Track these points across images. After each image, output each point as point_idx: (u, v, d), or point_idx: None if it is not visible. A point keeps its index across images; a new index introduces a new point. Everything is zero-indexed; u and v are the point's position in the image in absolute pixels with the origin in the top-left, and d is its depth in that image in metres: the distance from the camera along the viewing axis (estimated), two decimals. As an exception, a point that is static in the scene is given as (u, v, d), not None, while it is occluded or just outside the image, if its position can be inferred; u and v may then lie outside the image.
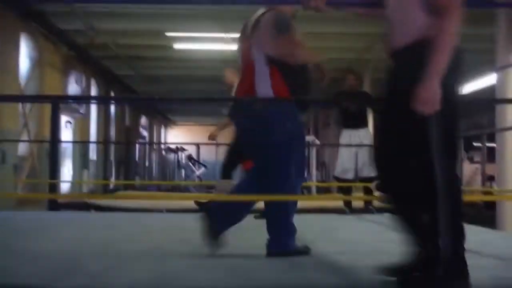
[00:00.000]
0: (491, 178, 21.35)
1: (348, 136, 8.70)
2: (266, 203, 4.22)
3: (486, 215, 9.83)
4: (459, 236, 2.88)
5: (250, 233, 5.01)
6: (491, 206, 17.71)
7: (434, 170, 2.76)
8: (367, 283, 3.17)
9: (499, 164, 9.15)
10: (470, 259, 3.96)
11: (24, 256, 4.03)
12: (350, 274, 3.45)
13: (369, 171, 8.50)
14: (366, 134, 8.68)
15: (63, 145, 14.74)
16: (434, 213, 2.78)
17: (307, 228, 6.26)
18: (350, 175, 8.67)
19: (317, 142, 21.90)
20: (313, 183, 20.18)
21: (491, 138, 16.52)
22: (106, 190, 17.86)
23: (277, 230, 4.07)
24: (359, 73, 9.17)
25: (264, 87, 4.00)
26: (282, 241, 4.06)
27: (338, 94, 9.29)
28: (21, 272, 3.36)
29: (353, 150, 8.55)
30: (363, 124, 8.76)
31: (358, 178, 8.69)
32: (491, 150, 17.52)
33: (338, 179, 8.87)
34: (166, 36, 14.34)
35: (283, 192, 4.03)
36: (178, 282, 3.12)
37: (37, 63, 13.53)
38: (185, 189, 22.68)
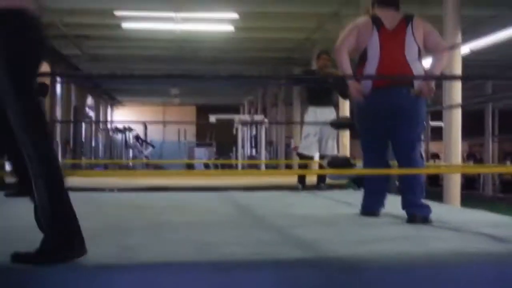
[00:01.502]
0: (435, 156, 21.88)
1: (314, 113, 8.76)
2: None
3: (432, 191, 10.08)
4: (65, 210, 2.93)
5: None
6: (436, 183, 18.18)
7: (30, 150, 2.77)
8: (330, 256, 3.25)
9: (445, 141, 9.40)
10: (427, 231, 4.13)
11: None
12: (311, 247, 3.54)
13: (332, 150, 8.65)
14: (331, 113, 8.75)
15: (9, 125, 14.47)
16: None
17: (261, 203, 6.36)
18: (313, 152, 8.77)
19: (266, 121, 22.01)
20: (263, 161, 20.29)
21: (435, 117, 16.90)
22: None
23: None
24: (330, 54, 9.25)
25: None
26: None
27: (306, 73, 9.36)
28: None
29: (318, 128, 8.63)
30: (329, 102, 8.84)
31: (320, 156, 8.80)
32: (434, 129, 17.96)
33: (301, 156, 8.94)
34: (115, 15, 14.18)
35: None
36: (140, 257, 3.14)
37: (-18, 41, 13.23)
38: (133, 169, 22.56)
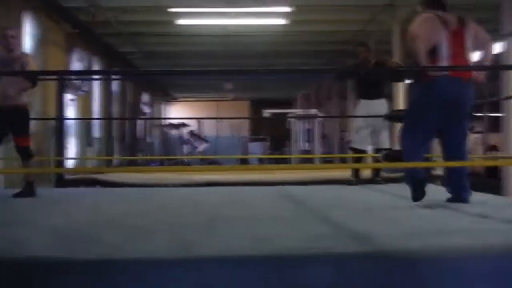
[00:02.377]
0: (493, 148, 21.45)
1: (365, 106, 8.67)
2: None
3: (490, 183, 9.90)
4: None
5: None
6: (494, 175, 17.86)
7: None
8: (386, 250, 3.23)
9: (505, 132, 9.20)
10: (483, 224, 4.05)
11: (41, 229, 4.09)
12: (367, 241, 3.51)
13: (385, 143, 8.56)
14: (382, 105, 8.64)
15: (67, 123, 14.78)
16: None
17: (316, 197, 6.35)
18: (366, 146, 8.71)
19: (320, 114, 21.94)
20: (317, 155, 20.24)
21: (493, 108, 16.55)
22: (109, 167, 17.90)
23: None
24: (369, 45, 9.14)
25: None
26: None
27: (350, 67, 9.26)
28: (40, 245, 3.40)
29: (369, 121, 8.54)
30: (380, 94, 8.72)
31: (374, 150, 8.72)
32: (493, 120, 17.59)
33: (354, 150, 8.88)
34: (169, 12, 14.31)
35: None
36: (199, 251, 3.17)
37: (41, 42, 13.52)
38: (188, 164, 22.77)
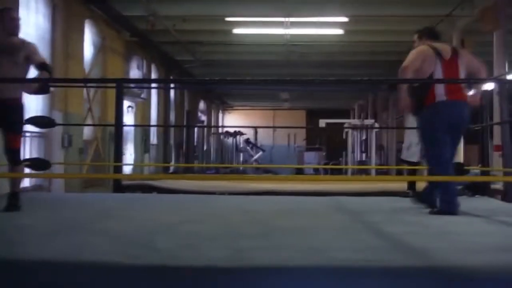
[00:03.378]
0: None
1: (414, 120, 8.57)
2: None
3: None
4: None
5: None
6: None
7: None
8: (441, 265, 3.18)
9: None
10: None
11: (100, 234, 4.17)
12: (422, 255, 3.47)
13: None
14: None
15: (125, 129, 15.02)
16: None
17: (372, 209, 6.29)
18: (416, 158, 8.60)
19: (376, 125, 21.74)
20: (373, 166, 20.06)
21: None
22: (166, 173, 18.11)
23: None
24: None
25: None
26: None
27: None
28: (99, 250, 3.47)
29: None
30: None
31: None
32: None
33: (405, 162, 8.78)
34: (226, 21, 14.43)
35: None
36: (253, 261, 3.19)
37: (100, 49, 13.81)
38: (244, 173, 22.85)
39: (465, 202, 6.96)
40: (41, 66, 5.68)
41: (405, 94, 6.03)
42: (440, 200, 5.83)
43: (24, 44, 5.75)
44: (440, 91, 5.88)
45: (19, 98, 5.78)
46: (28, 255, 3.29)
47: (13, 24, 5.74)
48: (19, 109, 5.75)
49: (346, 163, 22.36)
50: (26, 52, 5.65)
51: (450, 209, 5.68)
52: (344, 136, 23.58)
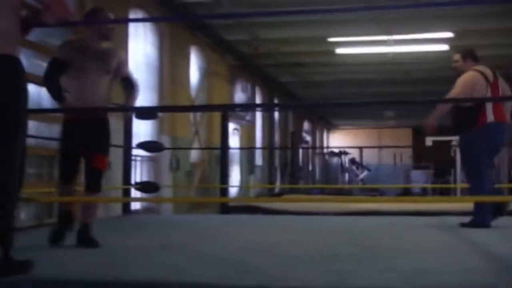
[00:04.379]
0: None
1: None
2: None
3: None
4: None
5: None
6: None
7: None
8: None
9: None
10: None
11: (200, 255, 4.28)
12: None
13: None
14: None
15: (230, 152, 15.30)
16: None
17: (481, 230, 6.12)
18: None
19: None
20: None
21: None
22: (271, 194, 18.28)
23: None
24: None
25: None
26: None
27: None
28: (198, 271, 3.56)
29: None
30: None
31: None
32: None
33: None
34: (328, 42, 14.47)
35: None
36: (353, 283, 3.19)
37: (206, 74, 14.17)
38: (349, 193, 22.70)
39: None
40: (128, 80, 5.05)
41: (433, 119, 6.56)
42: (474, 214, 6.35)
43: (117, 51, 5.08)
44: (490, 113, 6.31)
45: (108, 117, 5.00)
46: (130, 276, 3.43)
47: (107, 27, 4.93)
48: (108, 128, 4.95)
49: (455, 181, 21.78)
50: (118, 61, 5.00)
51: (484, 221, 6.24)
52: (452, 154, 22.98)
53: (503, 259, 4.08)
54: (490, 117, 6.30)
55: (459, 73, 6.67)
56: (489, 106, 6.33)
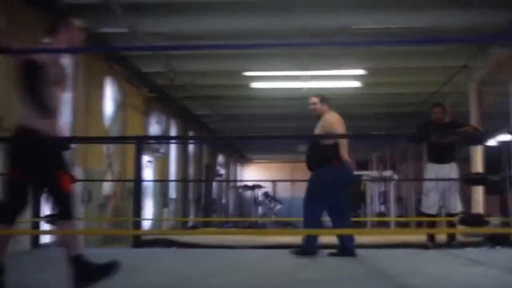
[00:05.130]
0: None
1: (434, 170, 8.57)
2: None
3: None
4: None
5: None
6: None
7: None
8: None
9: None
10: None
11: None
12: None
13: (455, 206, 8.40)
14: (452, 169, 8.53)
15: (144, 184, 15.10)
16: None
17: (392, 262, 6.25)
18: (435, 210, 8.55)
19: (395, 177, 21.67)
20: (392, 218, 19.92)
21: None
22: (185, 227, 18.11)
23: None
24: (444, 107, 9.06)
25: None
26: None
27: (420, 127, 9.16)
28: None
29: (440, 184, 8.42)
30: (450, 158, 8.60)
31: (445, 214, 8.56)
32: None
33: (424, 215, 8.72)
34: (243, 76, 14.59)
35: None
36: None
37: (121, 105, 14.00)
38: (262, 226, 22.78)
39: (487, 254, 6.92)
40: None
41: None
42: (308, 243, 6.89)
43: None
44: (344, 152, 6.89)
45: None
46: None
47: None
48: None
49: (365, 215, 22.23)
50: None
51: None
52: (362, 188, 23.52)
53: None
54: (344, 156, 6.88)
55: (317, 114, 7.48)
56: (344, 145, 6.92)
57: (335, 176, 6.94)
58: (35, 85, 4.07)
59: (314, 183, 7.10)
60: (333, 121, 7.15)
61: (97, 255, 7.67)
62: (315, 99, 7.45)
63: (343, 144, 6.95)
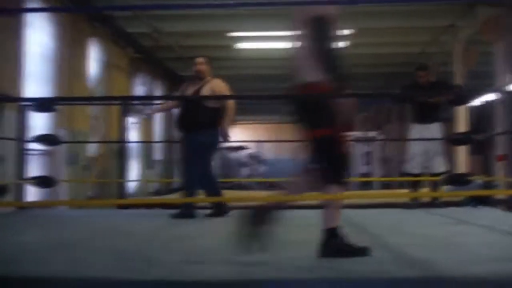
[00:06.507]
0: None
1: (418, 131, 8.59)
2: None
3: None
4: None
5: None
6: None
7: None
8: (445, 276, 3.20)
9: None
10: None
11: (100, 250, 4.20)
12: (426, 267, 3.49)
13: (440, 167, 8.46)
14: (437, 129, 8.56)
15: (129, 145, 15.06)
16: None
17: (375, 221, 6.31)
18: (418, 170, 8.60)
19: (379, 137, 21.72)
20: (375, 178, 20.03)
21: None
22: (170, 189, 18.15)
23: None
24: (429, 68, 9.01)
25: None
26: None
27: (405, 88, 9.16)
28: (99, 266, 3.50)
29: (424, 145, 8.45)
30: (435, 118, 8.61)
31: (429, 174, 8.61)
32: None
33: (408, 174, 8.78)
34: (228, 36, 14.50)
35: None
36: (260, 275, 3.21)
37: (105, 66, 13.89)
38: (248, 187, 22.86)
39: (469, 213, 6.99)
40: None
41: None
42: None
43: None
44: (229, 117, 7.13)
45: None
46: (27, 272, 3.31)
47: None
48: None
49: (349, 176, 22.33)
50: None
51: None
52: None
53: (397, 248, 4.20)
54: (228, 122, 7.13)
55: (202, 76, 7.53)
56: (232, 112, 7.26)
57: (217, 139, 7.18)
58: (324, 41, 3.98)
59: (202, 145, 7.08)
60: (222, 85, 7.40)
61: (82, 215, 7.71)
62: (201, 59, 7.57)
63: (232, 109, 7.18)
